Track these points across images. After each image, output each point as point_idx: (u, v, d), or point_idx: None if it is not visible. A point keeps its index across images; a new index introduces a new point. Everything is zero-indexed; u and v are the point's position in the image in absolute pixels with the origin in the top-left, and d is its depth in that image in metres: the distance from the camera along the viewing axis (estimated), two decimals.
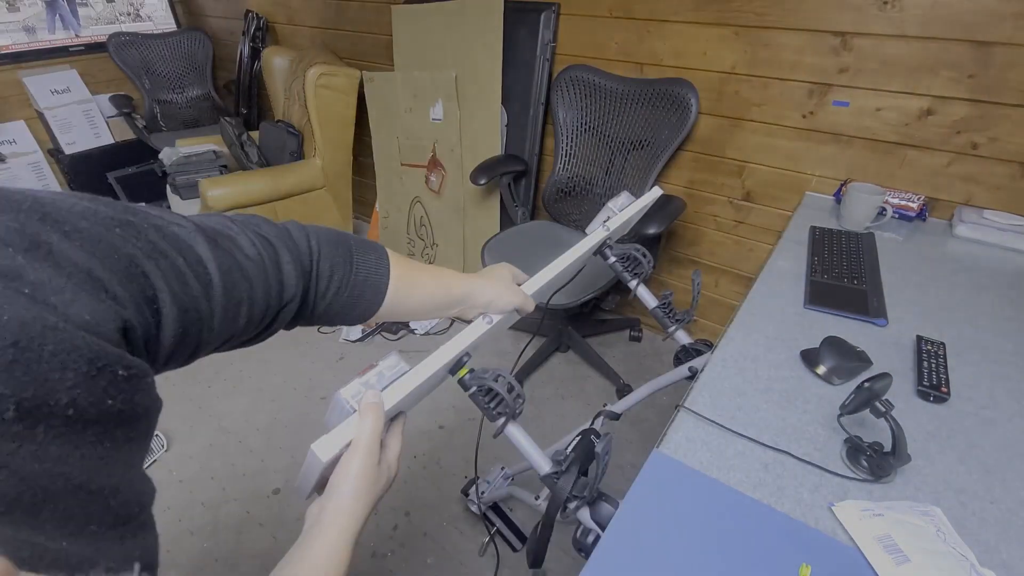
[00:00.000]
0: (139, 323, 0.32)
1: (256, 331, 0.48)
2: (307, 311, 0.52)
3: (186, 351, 0.39)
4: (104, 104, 2.89)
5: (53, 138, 2.77)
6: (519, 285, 0.68)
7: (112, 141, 2.94)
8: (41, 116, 2.74)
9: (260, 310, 0.45)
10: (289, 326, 0.52)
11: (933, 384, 0.79)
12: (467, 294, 0.63)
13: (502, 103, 1.94)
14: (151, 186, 3.01)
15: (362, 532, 0.48)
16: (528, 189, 2.09)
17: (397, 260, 0.58)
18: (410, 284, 0.59)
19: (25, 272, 0.26)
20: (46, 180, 2.80)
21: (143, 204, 0.38)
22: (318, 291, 0.52)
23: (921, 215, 1.35)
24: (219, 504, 1.53)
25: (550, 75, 1.89)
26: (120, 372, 0.29)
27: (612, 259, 0.99)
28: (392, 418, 0.55)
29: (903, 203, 1.35)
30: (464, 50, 1.95)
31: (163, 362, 0.38)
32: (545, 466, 0.71)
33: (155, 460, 1.64)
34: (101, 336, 0.28)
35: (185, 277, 0.37)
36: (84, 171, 2.86)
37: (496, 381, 0.64)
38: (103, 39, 2.85)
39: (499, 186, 2.04)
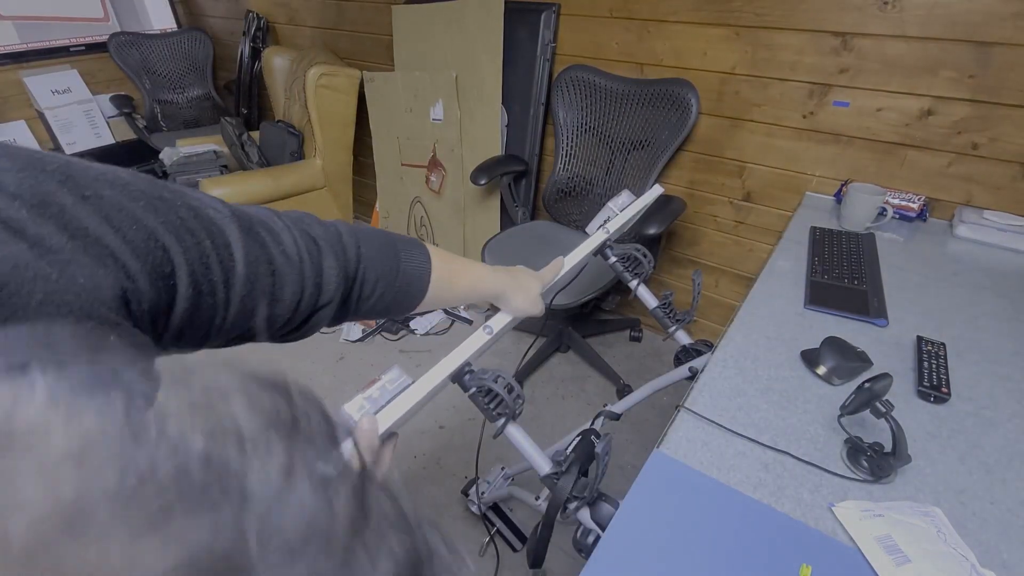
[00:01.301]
0: (148, 297, 0.32)
1: (286, 330, 0.47)
2: (348, 313, 0.52)
3: (196, 335, 0.38)
4: (105, 104, 2.89)
5: (53, 138, 2.77)
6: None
7: (113, 141, 2.94)
8: (41, 116, 2.74)
9: (287, 309, 0.44)
10: (331, 324, 0.52)
11: (933, 384, 0.79)
12: (498, 296, 0.67)
13: (502, 103, 1.94)
14: None
15: None
16: (528, 189, 2.09)
17: (437, 258, 0.59)
18: (448, 283, 0.60)
19: (27, 226, 0.26)
20: None
21: (182, 184, 0.38)
22: (361, 295, 0.52)
23: (921, 215, 1.35)
24: None
25: (550, 75, 1.89)
26: (112, 338, 0.29)
27: (613, 259, 0.99)
28: (384, 439, 0.55)
29: (903, 203, 1.35)
30: (464, 50, 1.95)
31: (170, 341, 0.37)
32: (545, 466, 0.71)
33: None
34: (95, 300, 0.28)
35: (208, 259, 0.36)
36: None
37: (496, 382, 0.64)
38: (104, 39, 2.86)
39: (499, 186, 2.04)
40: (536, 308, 0.70)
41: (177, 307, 0.35)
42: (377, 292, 0.53)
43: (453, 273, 0.61)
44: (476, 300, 0.66)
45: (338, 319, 0.52)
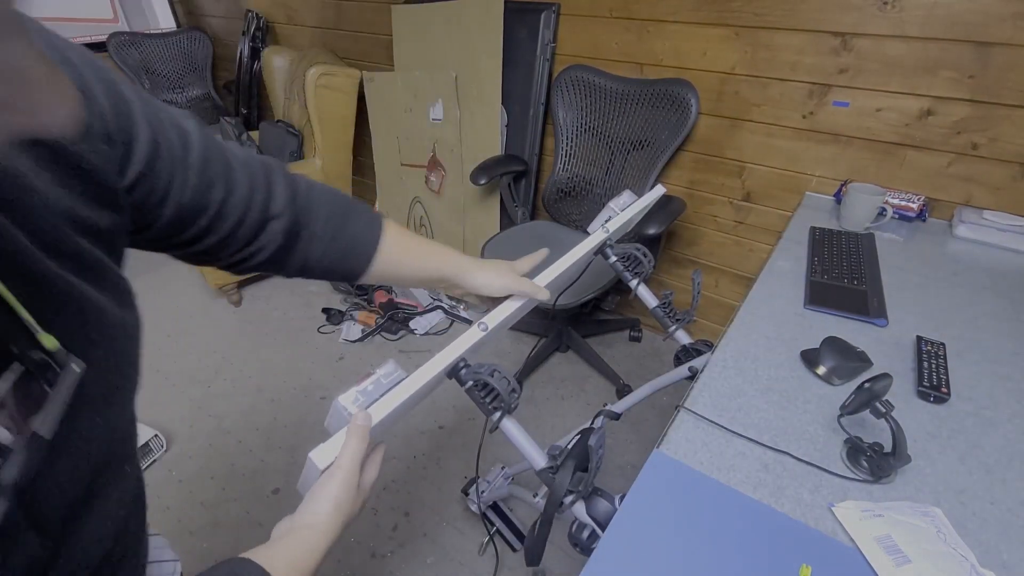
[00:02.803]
0: (114, 131, 0.36)
1: (244, 240, 0.50)
2: (300, 248, 0.54)
3: (157, 196, 0.41)
4: None
5: None
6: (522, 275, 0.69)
7: None
8: None
9: (241, 202, 0.48)
10: (285, 267, 0.54)
11: (933, 384, 0.79)
12: (458, 272, 0.64)
13: (502, 103, 1.94)
14: None
15: (325, 560, 0.47)
16: (528, 189, 2.09)
17: (393, 225, 0.60)
18: (403, 250, 0.61)
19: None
20: None
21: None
22: (312, 231, 0.54)
23: (921, 215, 1.35)
24: (219, 504, 1.52)
25: (550, 75, 1.89)
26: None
27: (613, 259, 0.99)
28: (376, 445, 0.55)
29: (903, 203, 1.35)
30: (464, 50, 1.95)
31: (135, 210, 0.40)
32: (541, 461, 0.71)
33: (155, 460, 1.64)
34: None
35: (163, 124, 0.40)
36: None
37: (491, 376, 0.64)
38: (103, 39, 2.86)
39: (499, 186, 2.04)
40: (513, 283, 0.65)
41: (139, 149, 0.38)
42: (328, 234, 0.54)
43: (409, 240, 0.62)
44: (435, 275, 0.64)
45: (290, 254, 0.53)
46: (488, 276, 0.65)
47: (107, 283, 0.36)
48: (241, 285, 2.40)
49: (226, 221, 0.48)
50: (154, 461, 1.64)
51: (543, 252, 0.73)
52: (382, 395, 0.53)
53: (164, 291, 2.45)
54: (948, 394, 0.78)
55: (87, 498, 0.36)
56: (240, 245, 0.50)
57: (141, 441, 1.61)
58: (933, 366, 0.83)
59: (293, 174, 0.53)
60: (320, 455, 0.47)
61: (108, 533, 0.39)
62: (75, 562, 0.35)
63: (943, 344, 0.87)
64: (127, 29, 3.00)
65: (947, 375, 0.81)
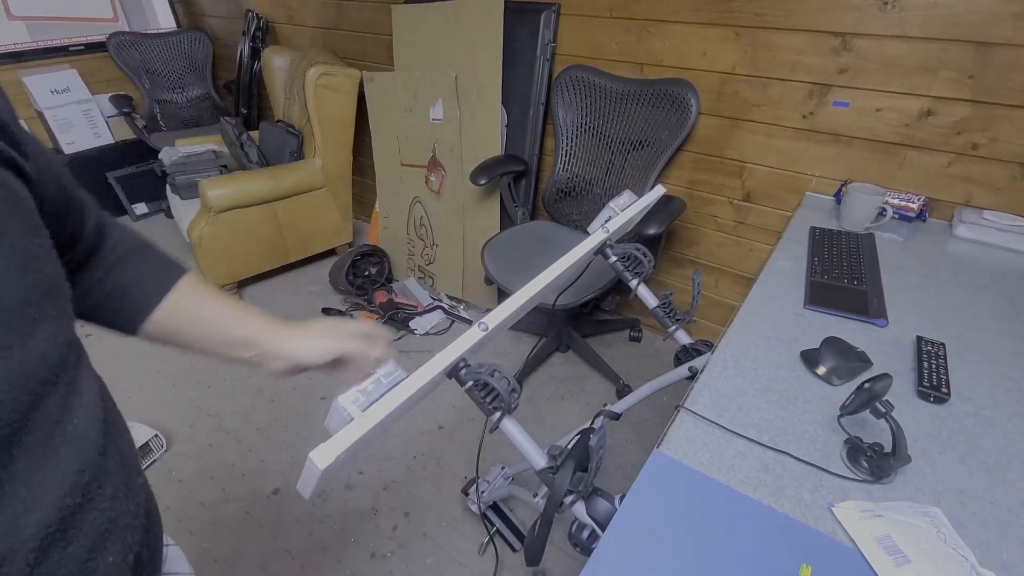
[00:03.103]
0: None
1: (66, 248, 0.48)
2: (93, 269, 0.51)
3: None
4: (104, 104, 2.89)
5: (53, 138, 2.77)
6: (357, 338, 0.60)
7: (112, 141, 2.94)
8: (40, 116, 2.74)
9: (73, 218, 0.47)
10: (74, 282, 0.50)
11: (933, 384, 0.79)
12: (271, 337, 0.56)
13: (502, 103, 1.94)
14: (151, 186, 3.01)
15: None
16: (528, 189, 2.09)
17: (198, 279, 0.55)
18: (199, 301, 0.54)
19: None
20: None
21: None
22: (104, 253, 0.51)
23: (921, 216, 1.35)
24: (218, 504, 1.52)
25: (550, 75, 1.89)
26: None
27: (613, 259, 0.99)
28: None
29: (903, 203, 1.35)
30: (464, 50, 1.95)
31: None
32: (541, 461, 0.71)
33: (155, 460, 1.64)
34: None
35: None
36: (84, 171, 2.85)
37: (491, 376, 0.64)
38: (103, 38, 2.86)
39: (499, 186, 2.04)
40: (337, 343, 0.58)
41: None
42: (117, 255, 0.52)
43: (214, 296, 0.55)
44: (239, 339, 0.55)
45: (84, 271, 0.51)
46: (307, 341, 0.57)
47: None
48: (241, 285, 2.40)
49: (65, 228, 0.46)
50: (154, 461, 1.64)
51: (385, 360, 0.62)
52: (382, 395, 0.53)
53: None
54: (948, 394, 0.78)
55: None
56: (81, 251, 0.49)
57: (141, 441, 1.60)
58: (933, 366, 0.83)
59: (98, 208, 0.51)
60: (320, 455, 0.46)
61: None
62: None
63: (943, 344, 0.87)
64: (127, 29, 3.00)
65: (947, 375, 0.81)
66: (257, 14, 2.76)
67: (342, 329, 0.59)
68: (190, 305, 0.54)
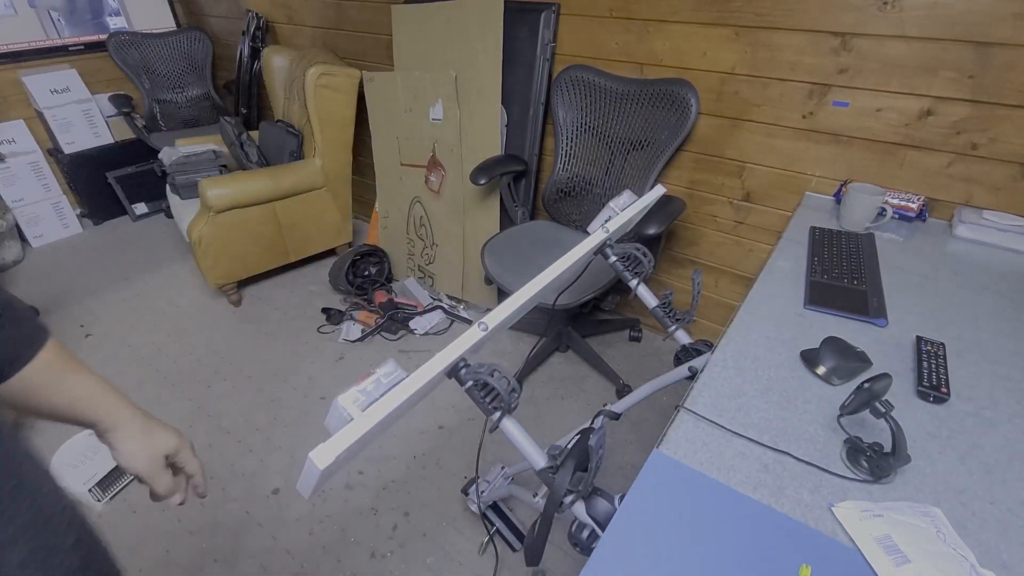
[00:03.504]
0: None
1: None
2: None
3: None
4: (104, 104, 2.88)
5: (52, 138, 2.77)
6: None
7: (112, 141, 2.94)
8: (40, 116, 2.74)
9: None
10: None
11: (933, 384, 0.79)
12: (113, 427, 0.55)
13: (502, 103, 1.94)
14: (150, 186, 3.02)
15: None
16: (528, 189, 2.09)
17: (61, 348, 0.53)
18: (60, 375, 0.52)
19: None
20: (46, 180, 2.79)
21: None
22: None
23: (921, 215, 1.35)
24: (218, 504, 1.52)
25: (550, 75, 1.89)
26: None
27: (613, 258, 0.99)
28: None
29: (903, 203, 1.35)
30: (464, 50, 1.95)
31: None
32: (541, 461, 0.71)
33: None
34: None
35: None
36: (83, 171, 2.86)
37: (491, 376, 0.64)
38: (103, 38, 2.85)
39: (499, 186, 2.03)
40: (146, 467, 0.56)
41: None
42: None
43: (79, 370, 0.54)
44: (85, 417, 0.54)
45: None
46: (137, 446, 0.56)
47: None
48: (241, 285, 2.40)
49: None
50: None
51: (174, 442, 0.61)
52: (382, 395, 0.53)
53: (164, 292, 2.45)
54: (948, 394, 0.78)
55: None
56: None
57: None
58: (933, 366, 0.83)
59: None
60: (320, 455, 0.47)
61: None
62: None
63: (943, 344, 0.87)
64: (127, 28, 3.00)
65: (947, 375, 0.81)
66: (257, 14, 2.76)
67: (158, 458, 0.58)
68: (48, 377, 0.51)
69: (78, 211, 2.97)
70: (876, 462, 0.66)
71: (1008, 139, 1.26)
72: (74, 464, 1.54)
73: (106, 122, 2.90)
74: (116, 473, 1.56)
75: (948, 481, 0.67)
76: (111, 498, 1.54)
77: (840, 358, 0.83)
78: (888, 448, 0.67)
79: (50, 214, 2.84)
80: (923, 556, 0.56)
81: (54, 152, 2.81)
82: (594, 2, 1.71)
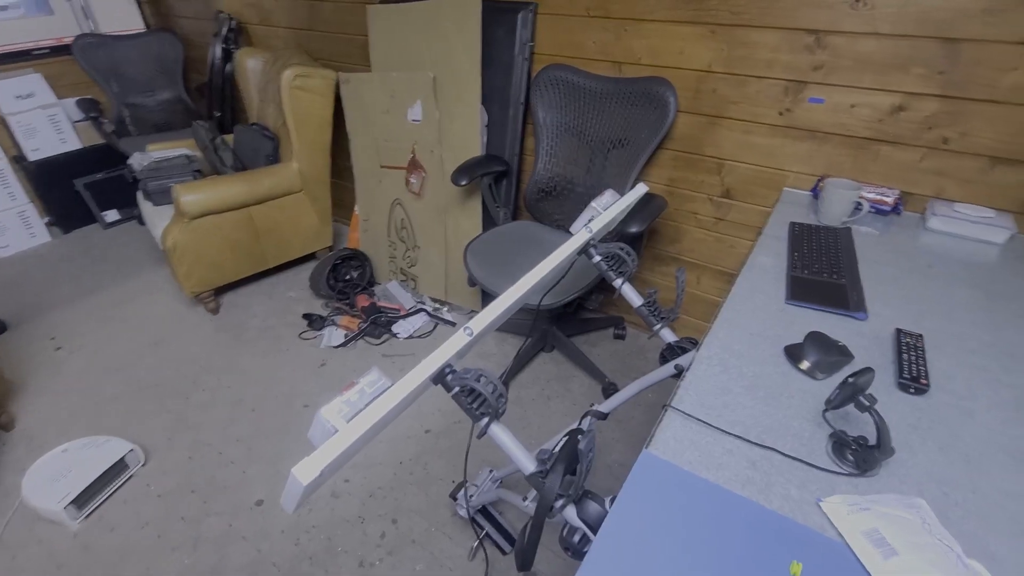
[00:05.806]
0: None
1: None
2: None
3: None
4: (71, 108, 2.80)
5: (16, 144, 2.67)
6: None
7: (79, 146, 2.85)
8: (3, 122, 2.64)
9: None
10: None
11: (913, 376, 0.81)
12: None
13: (482, 103, 1.93)
14: (120, 192, 2.93)
15: None
16: (509, 189, 2.08)
17: None
18: None
19: None
20: (11, 188, 2.70)
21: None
22: None
23: (896, 209, 1.38)
24: (200, 518, 1.49)
25: (529, 75, 1.88)
26: None
27: (597, 258, 0.99)
28: None
29: (878, 197, 1.37)
30: (442, 50, 1.93)
31: None
32: (530, 466, 0.71)
33: (132, 475, 1.59)
34: None
35: None
36: (50, 178, 2.76)
37: (478, 381, 0.64)
38: (68, 41, 2.77)
39: (480, 187, 2.02)
40: None
41: None
42: None
43: None
44: None
45: None
46: None
47: None
48: (218, 292, 2.35)
49: None
50: (131, 476, 1.60)
51: None
52: (367, 405, 0.52)
53: (138, 300, 2.38)
54: (927, 385, 0.80)
55: None
56: None
57: (117, 456, 1.56)
58: (912, 358, 0.84)
59: None
60: (303, 470, 0.45)
61: None
62: None
63: (921, 336, 0.89)
64: (94, 30, 2.91)
65: (926, 366, 0.83)
66: (228, 15, 2.70)
67: None
68: None
69: (46, 219, 2.87)
70: (862, 455, 0.67)
71: (977, 133, 1.29)
72: (48, 482, 1.49)
73: (73, 127, 2.82)
74: (92, 490, 1.51)
75: (931, 472, 0.68)
76: (87, 516, 1.49)
77: (823, 352, 0.84)
78: (873, 441, 0.67)
79: (16, 223, 2.74)
80: (910, 548, 0.57)
81: (19, 159, 2.71)
82: (571, 1, 1.70)
